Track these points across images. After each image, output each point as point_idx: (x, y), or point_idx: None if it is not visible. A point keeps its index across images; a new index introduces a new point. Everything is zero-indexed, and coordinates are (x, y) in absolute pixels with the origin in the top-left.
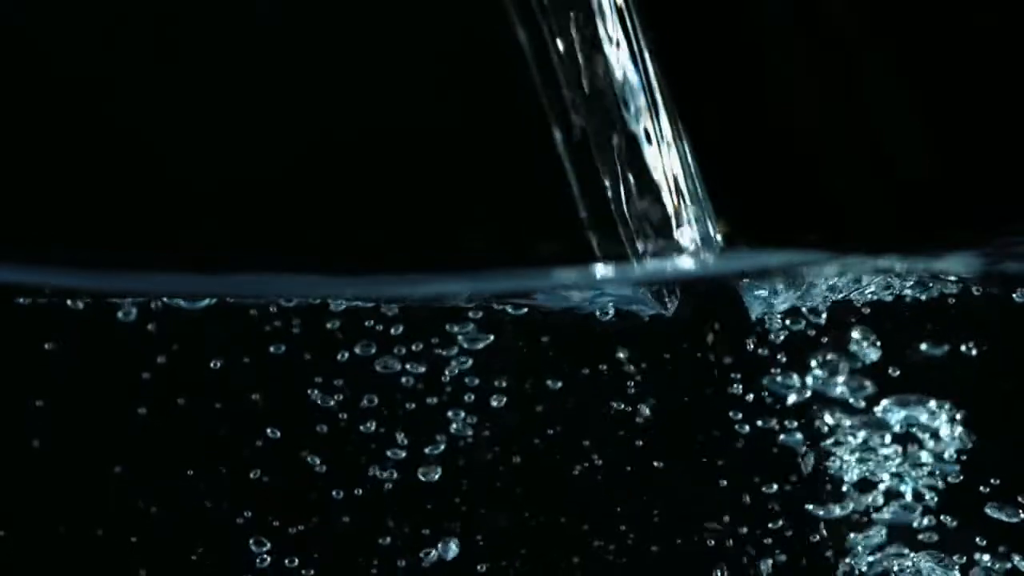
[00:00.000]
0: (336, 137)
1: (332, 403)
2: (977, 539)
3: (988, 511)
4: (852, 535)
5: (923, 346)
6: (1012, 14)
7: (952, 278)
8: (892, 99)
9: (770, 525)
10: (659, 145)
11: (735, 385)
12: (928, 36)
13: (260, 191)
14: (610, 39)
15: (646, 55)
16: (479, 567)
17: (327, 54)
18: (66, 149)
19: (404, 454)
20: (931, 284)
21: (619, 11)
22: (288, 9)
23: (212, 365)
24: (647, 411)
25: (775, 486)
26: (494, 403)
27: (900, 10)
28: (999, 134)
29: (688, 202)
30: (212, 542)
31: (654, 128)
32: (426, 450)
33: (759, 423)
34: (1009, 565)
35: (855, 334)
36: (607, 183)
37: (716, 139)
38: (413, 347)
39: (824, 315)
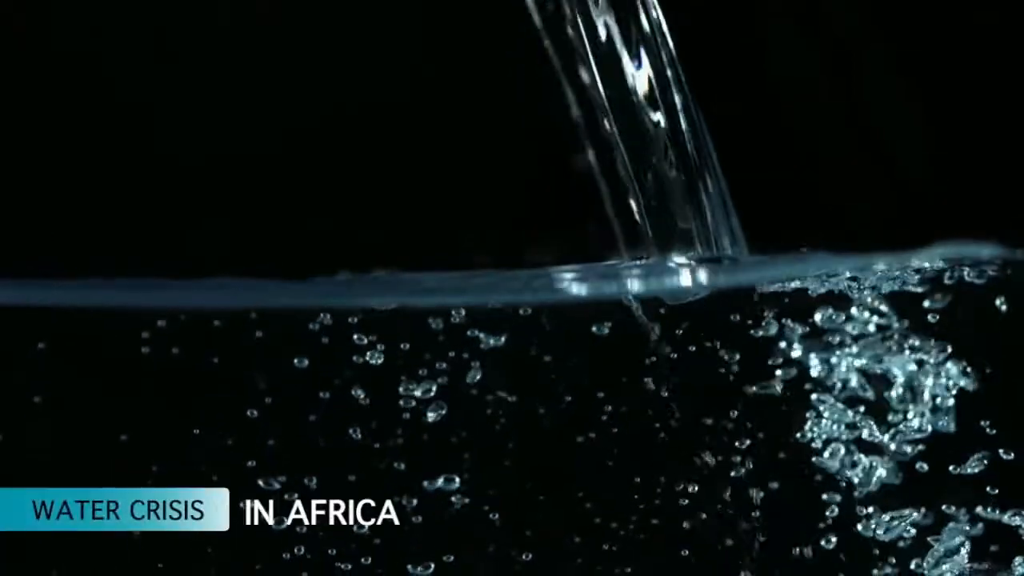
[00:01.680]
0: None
1: (353, 347)
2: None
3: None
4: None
5: (923, 341)
6: (1012, 14)
7: (951, 275)
8: (892, 99)
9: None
10: (686, 148)
11: (736, 373)
12: (928, 35)
13: (266, 194)
14: (634, 43)
15: (665, 57)
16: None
17: (338, 51)
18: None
19: (415, 400)
20: (930, 282)
21: (638, 15)
22: (288, 9)
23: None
24: (652, 391)
25: (774, 469)
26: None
27: (900, 10)
28: (999, 133)
29: (711, 205)
30: (223, 476)
31: (679, 130)
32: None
33: (758, 412)
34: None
35: (855, 331)
36: (631, 186)
37: (719, 141)
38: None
39: (824, 313)
